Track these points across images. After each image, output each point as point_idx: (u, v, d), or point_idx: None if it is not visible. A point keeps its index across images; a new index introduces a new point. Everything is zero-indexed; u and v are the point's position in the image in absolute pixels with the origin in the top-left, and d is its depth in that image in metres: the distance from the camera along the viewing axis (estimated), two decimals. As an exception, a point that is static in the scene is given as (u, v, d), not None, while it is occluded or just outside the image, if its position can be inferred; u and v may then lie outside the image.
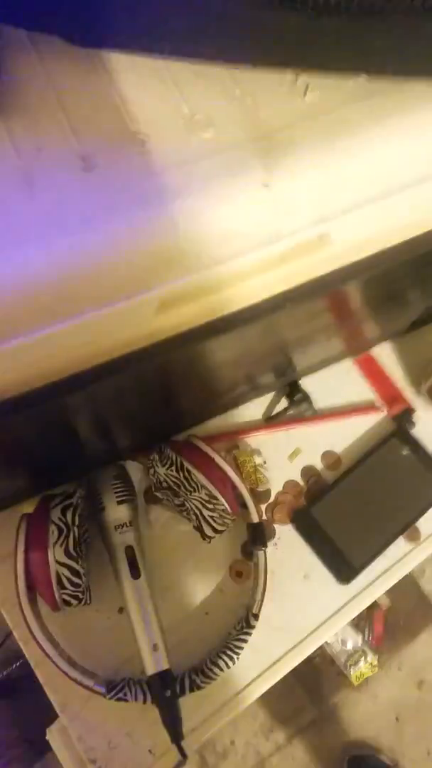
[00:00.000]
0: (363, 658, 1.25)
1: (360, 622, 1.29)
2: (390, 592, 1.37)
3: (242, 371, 0.56)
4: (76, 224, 0.28)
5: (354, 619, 1.30)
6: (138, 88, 0.30)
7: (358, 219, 0.32)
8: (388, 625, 1.34)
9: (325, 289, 0.37)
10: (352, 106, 0.31)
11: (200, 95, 0.31)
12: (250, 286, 0.34)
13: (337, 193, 0.31)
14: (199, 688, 0.57)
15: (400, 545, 0.66)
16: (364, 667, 1.25)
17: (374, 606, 1.32)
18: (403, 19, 0.27)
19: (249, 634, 0.60)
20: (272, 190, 0.30)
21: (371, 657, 1.26)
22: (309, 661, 1.27)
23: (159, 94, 0.30)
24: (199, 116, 0.30)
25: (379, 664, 1.31)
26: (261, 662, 0.61)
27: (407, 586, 1.40)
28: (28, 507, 0.58)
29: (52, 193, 0.28)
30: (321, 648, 1.28)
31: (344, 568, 0.64)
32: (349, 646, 1.26)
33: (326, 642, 1.26)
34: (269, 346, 0.50)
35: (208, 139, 0.30)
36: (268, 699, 1.30)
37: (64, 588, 0.54)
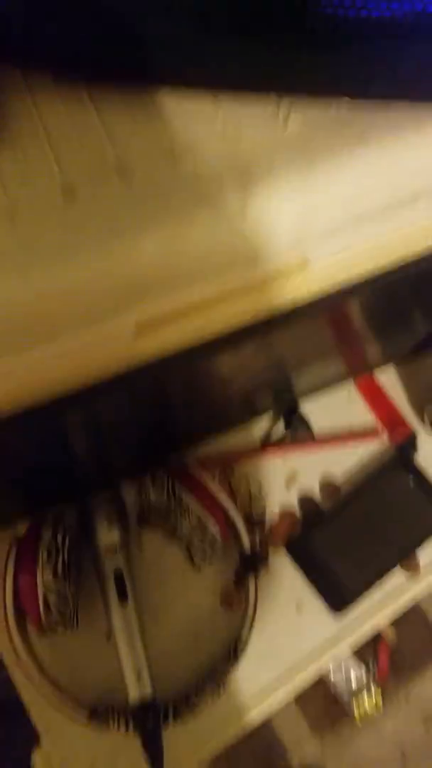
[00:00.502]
0: (367, 694, 1.21)
1: (364, 656, 1.26)
2: (396, 626, 1.34)
3: (235, 393, 0.55)
4: (54, 254, 0.28)
5: (357, 652, 1.27)
6: (121, 119, 0.30)
7: (338, 244, 0.32)
8: (394, 660, 1.30)
9: (310, 312, 0.36)
10: (333, 133, 0.30)
11: (183, 126, 0.31)
12: (231, 309, 0.34)
13: (317, 219, 0.31)
14: (184, 717, 0.56)
15: (398, 576, 0.64)
16: (367, 703, 1.21)
17: (379, 640, 1.29)
18: (386, 43, 0.27)
19: (237, 663, 0.58)
20: (249, 218, 0.30)
21: (375, 693, 1.22)
22: (310, 693, 1.25)
23: (142, 126, 0.30)
24: (181, 147, 0.30)
25: (385, 700, 1.27)
26: (250, 694, 0.60)
27: (415, 620, 1.36)
28: (20, 529, 0.58)
29: (32, 223, 0.28)
30: (323, 680, 1.25)
31: (338, 596, 0.63)
32: (353, 680, 1.22)
33: (329, 674, 1.23)
34: (260, 367, 0.50)
35: (188, 169, 0.30)
36: (266, 732, 1.27)
37: (50, 611, 0.53)
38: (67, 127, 0.30)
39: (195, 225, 0.30)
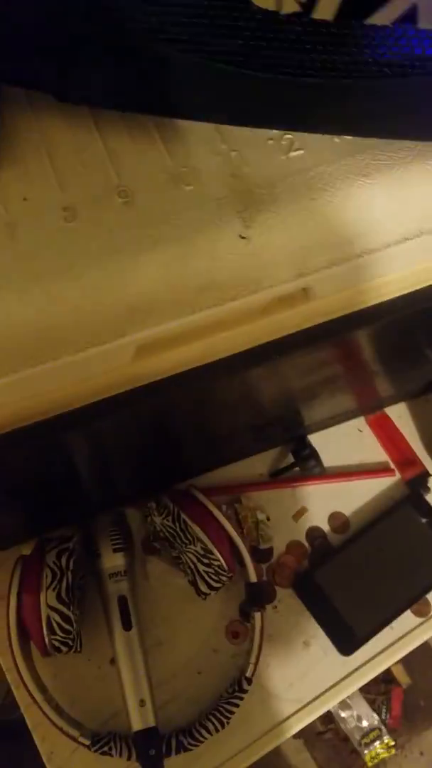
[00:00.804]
0: (379, 738, 1.17)
1: (377, 699, 1.22)
2: (410, 670, 1.30)
3: (242, 422, 0.56)
4: (54, 273, 0.29)
5: (371, 695, 1.24)
6: (124, 142, 0.31)
7: (342, 274, 0.32)
8: (408, 704, 1.26)
9: (313, 343, 0.36)
10: (336, 164, 0.31)
11: (186, 150, 0.32)
12: (233, 336, 0.34)
13: (319, 249, 0.31)
14: (186, 750, 0.55)
15: (409, 618, 0.63)
16: (379, 748, 1.17)
17: (393, 683, 1.25)
18: (388, 83, 0.28)
19: (241, 698, 0.57)
20: (251, 243, 0.30)
21: (387, 738, 1.18)
22: (322, 739, 1.21)
23: (144, 149, 0.31)
24: (184, 170, 0.31)
25: (398, 747, 1.23)
26: (252, 730, 0.59)
27: (429, 663, 1.32)
28: (26, 549, 0.58)
29: (33, 241, 0.29)
30: (334, 722, 1.21)
31: (346, 638, 0.61)
32: (365, 723, 1.18)
33: (341, 716, 1.19)
34: (267, 398, 0.50)
35: (191, 192, 0.31)
36: (277, 773, 1.23)
37: (54, 633, 0.53)
38: (70, 147, 0.31)
39: (197, 249, 0.30)
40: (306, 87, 0.27)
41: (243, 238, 0.30)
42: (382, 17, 0.24)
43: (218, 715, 0.56)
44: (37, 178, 0.30)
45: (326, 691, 0.60)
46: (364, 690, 1.23)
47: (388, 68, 0.26)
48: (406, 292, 0.35)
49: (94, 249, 0.30)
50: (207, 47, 0.26)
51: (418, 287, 0.36)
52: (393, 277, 0.34)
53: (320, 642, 0.62)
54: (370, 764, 1.18)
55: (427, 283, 0.35)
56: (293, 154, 0.31)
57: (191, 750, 0.55)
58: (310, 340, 0.35)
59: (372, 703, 1.23)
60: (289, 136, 0.32)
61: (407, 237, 0.31)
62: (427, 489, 0.67)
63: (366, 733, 1.18)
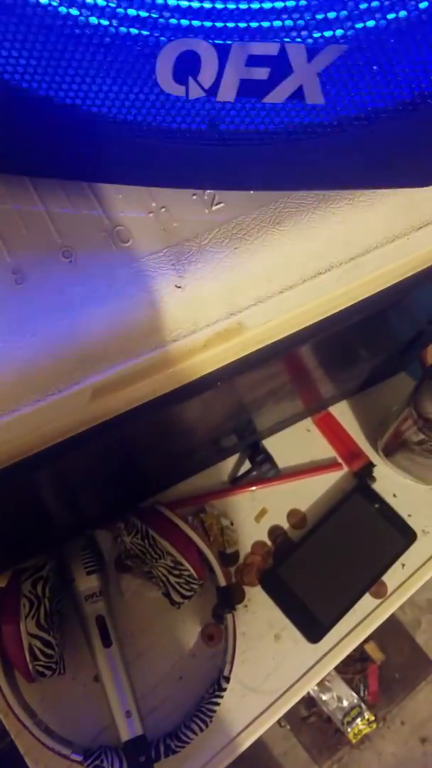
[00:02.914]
0: (360, 715, 1.23)
1: (354, 678, 1.28)
2: (382, 647, 1.37)
3: (199, 439, 0.59)
4: (10, 333, 0.32)
5: (348, 675, 1.29)
6: (62, 203, 0.34)
7: (268, 308, 0.36)
8: (384, 679, 1.33)
9: (251, 367, 0.40)
10: (253, 214, 0.35)
11: (120, 209, 0.35)
12: (180, 369, 0.38)
13: (245, 289, 0.35)
14: (174, 752, 0.58)
15: (368, 600, 0.68)
16: (361, 724, 1.23)
17: (368, 661, 1.31)
18: (294, 146, 0.32)
19: (221, 696, 0.61)
20: (186, 291, 0.34)
21: (368, 713, 1.24)
22: (306, 724, 1.26)
23: (84, 210, 0.34)
24: (120, 228, 0.35)
25: (380, 720, 1.29)
26: (236, 724, 0.62)
27: (401, 639, 1.39)
28: (1, 581, 0.60)
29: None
30: (316, 706, 1.27)
31: (313, 627, 0.66)
32: (345, 703, 1.24)
33: (322, 699, 1.24)
34: (219, 415, 0.54)
35: (128, 248, 0.34)
36: (268, 761, 1.27)
37: (37, 659, 0.56)
38: (11, 210, 0.34)
39: (138, 301, 0.34)
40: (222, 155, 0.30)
41: (178, 287, 0.34)
42: (275, 97, 0.28)
43: (201, 715, 0.60)
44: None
45: (300, 678, 0.65)
46: (342, 671, 1.29)
47: (285, 135, 0.30)
48: (326, 315, 0.39)
49: (45, 308, 0.33)
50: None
51: (335, 310, 0.40)
52: (313, 305, 0.38)
53: (290, 633, 0.66)
54: (354, 741, 1.24)
55: (343, 306, 0.40)
56: (215, 207, 0.35)
57: (179, 752, 0.58)
58: (248, 365, 0.39)
59: (350, 683, 1.28)
60: (211, 191, 0.35)
61: (320, 272, 0.36)
62: (373, 478, 0.72)
63: (347, 712, 1.23)
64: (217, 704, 0.60)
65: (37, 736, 0.57)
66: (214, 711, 0.60)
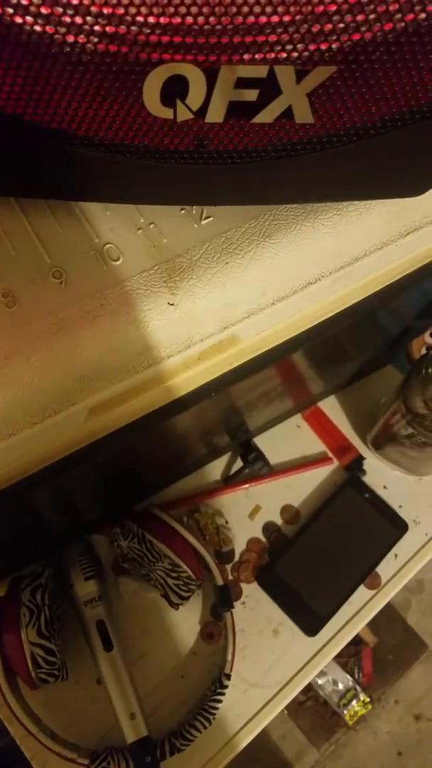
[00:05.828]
0: (355, 697, 1.26)
1: (348, 662, 1.30)
2: (375, 630, 1.39)
3: (192, 443, 0.59)
4: (4, 357, 0.32)
5: (343, 659, 1.31)
6: (50, 223, 0.34)
7: (261, 320, 0.36)
8: (377, 661, 1.35)
9: (246, 375, 0.40)
10: (242, 227, 0.35)
11: (109, 226, 0.35)
12: (176, 383, 0.38)
13: (238, 303, 0.35)
14: (179, 750, 0.59)
15: (363, 591, 0.69)
16: (357, 706, 1.26)
17: (361, 644, 1.34)
18: (283, 163, 0.32)
19: (223, 693, 0.62)
20: (178, 307, 0.34)
21: (363, 695, 1.27)
22: (303, 708, 1.28)
23: (71, 228, 0.34)
24: (110, 246, 0.35)
25: (375, 700, 1.32)
26: (239, 719, 0.63)
27: (392, 620, 1.42)
28: (0, 590, 0.61)
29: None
30: (313, 690, 1.29)
31: (310, 620, 0.67)
32: (340, 686, 1.27)
33: (318, 683, 1.27)
34: (213, 420, 0.54)
35: (119, 267, 0.34)
36: (267, 745, 1.30)
37: (40, 667, 0.56)
38: (1, 235, 0.34)
39: (131, 320, 0.34)
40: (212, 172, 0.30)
41: (171, 304, 0.34)
42: (264, 117, 0.28)
43: (204, 713, 0.61)
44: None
45: (299, 671, 0.66)
46: (336, 655, 1.31)
47: (274, 152, 0.30)
48: (318, 321, 0.39)
49: (38, 331, 0.33)
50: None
51: (327, 316, 0.40)
52: (305, 313, 0.38)
53: (288, 628, 0.67)
54: (350, 722, 1.27)
55: (335, 311, 0.40)
56: (204, 222, 0.35)
57: (184, 750, 0.59)
58: (242, 374, 0.40)
59: (345, 666, 1.31)
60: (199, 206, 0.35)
61: (311, 282, 0.36)
62: (363, 471, 0.73)
63: (343, 695, 1.26)
64: (220, 701, 0.61)
65: (42, 742, 0.57)
66: (217, 708, 0.61)
